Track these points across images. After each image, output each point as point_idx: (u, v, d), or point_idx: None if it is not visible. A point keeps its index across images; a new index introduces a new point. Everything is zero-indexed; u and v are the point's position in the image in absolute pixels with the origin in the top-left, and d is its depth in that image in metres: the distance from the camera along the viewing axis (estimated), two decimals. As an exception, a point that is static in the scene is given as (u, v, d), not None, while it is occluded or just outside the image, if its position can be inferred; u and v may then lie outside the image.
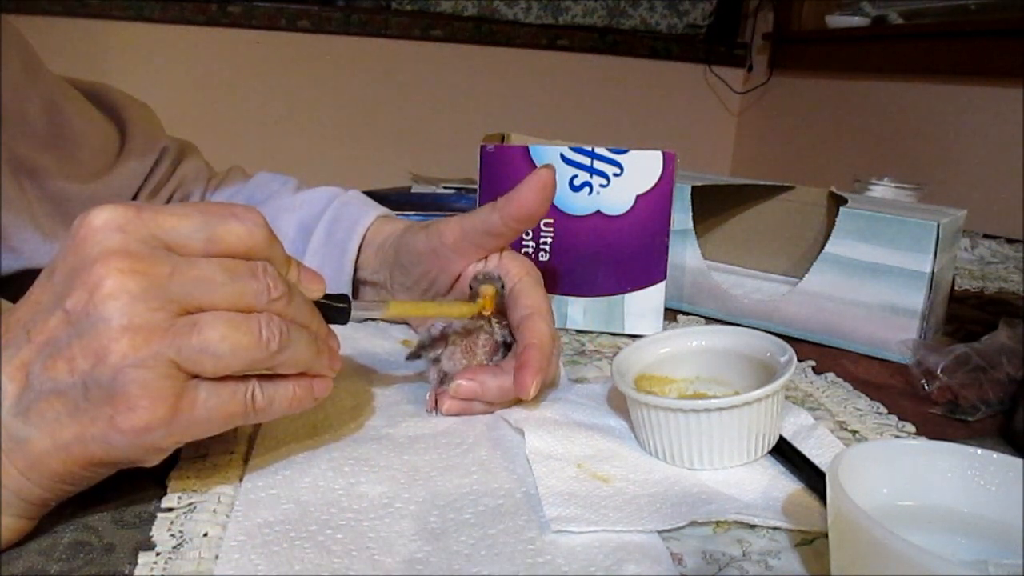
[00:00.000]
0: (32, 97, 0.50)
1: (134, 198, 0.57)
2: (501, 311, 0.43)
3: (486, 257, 0.45)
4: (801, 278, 0.59)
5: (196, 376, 0.29)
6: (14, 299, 0.54)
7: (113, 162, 0.55)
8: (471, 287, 0.43)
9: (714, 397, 0.39)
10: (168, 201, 0.59)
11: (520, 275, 0.44)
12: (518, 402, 0.43)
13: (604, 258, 0.56)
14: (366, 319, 0.38)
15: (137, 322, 0.27)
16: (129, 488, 0.34)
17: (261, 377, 0.31)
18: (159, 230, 0.29)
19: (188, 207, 0.30)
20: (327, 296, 0.36)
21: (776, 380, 0.37)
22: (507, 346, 0.44)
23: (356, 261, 0.52)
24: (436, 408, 0.43)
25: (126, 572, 0.29)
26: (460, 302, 0.43)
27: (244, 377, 0.31)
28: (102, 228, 0.28)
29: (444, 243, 0.44)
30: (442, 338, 0.43)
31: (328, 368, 0.34)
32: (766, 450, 0.39)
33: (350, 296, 0.37)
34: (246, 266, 0.30)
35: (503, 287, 0.43)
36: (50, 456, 0.28)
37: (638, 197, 0.55)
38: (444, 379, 0.43)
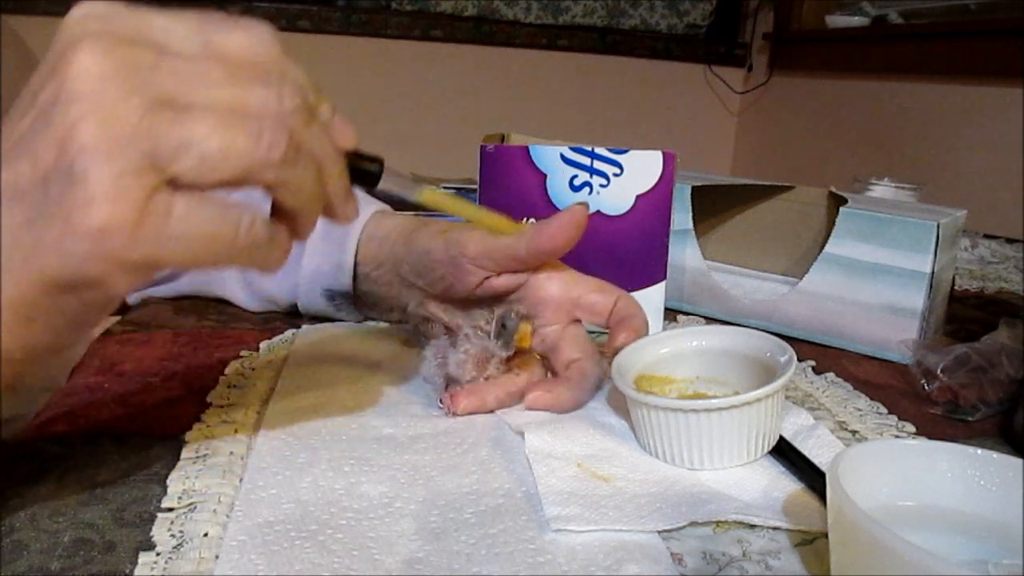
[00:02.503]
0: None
1: None
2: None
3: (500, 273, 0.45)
4: (801, 278, 0.59)
5: (177, 184, 0.25)
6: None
7: None
8: (504, 325, 0.42)
9: (714, 397, 0.39)
10: None
11: (565, 322, 0.45)
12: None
13: (604, 258, 0.56)
14: (393, 195, 0.35)
15: (108, 105, 0.23)
16: (129, 488, 0.34)
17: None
18: (148, 27, 0.25)
19: (185, 11, 0.26)
20: (357, 155, 0.32)
21: (776, 380, 0.37)
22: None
23: (356, 256, 0.52)
24: (452, 409, 0.43)
25: (127, 571, 0.29)
26: (499, 216, 0.41)
27: (242, 207, 0.26)
28: (82, 18, 0.25)
29: (464, 255, 0.43)
30: (447, 334, 0.43)
31: (341, 215, 0.30)
32: (766, 450, 0.39)
33: (383, 161, 0.33)
34: (255, 70, 0.26)
35: (532, 319, 0.44)
36: (3, 278, 0.25)
37: (638, 197, 0.55)
38: (450, 383, 0.43)
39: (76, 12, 0.25)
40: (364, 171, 0.32)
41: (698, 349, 0.44)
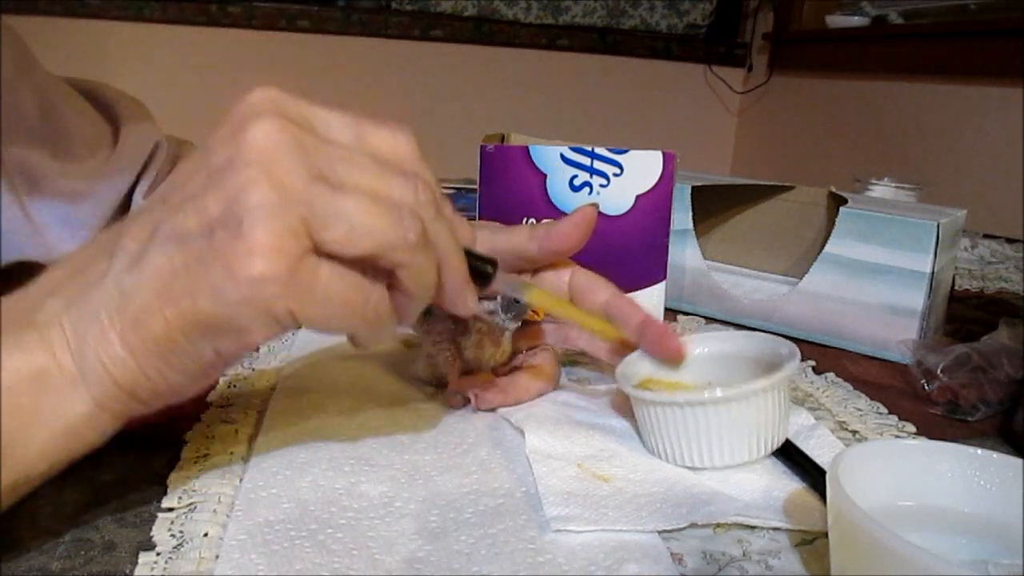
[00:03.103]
0: (25, 91, 0.50)
1: (130, 192, 0.57)
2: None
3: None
4: (801, 278, 0.59)
5: (323, 251, 0.28)
6: (5, 291, 0.54)
7: (107, 155, 0.55)
8: (516, 299, 0.41)
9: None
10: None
11: (570, 266, 0.44)
12: None
13: (604, 258, 0.56)
14: (502, 294, 0.39)
15: (277, 172, 0.27)
16: (129, 488, 0.34)
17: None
18: (312, 116, 0.29)
19: (338, 109, 0.30)
20: (473, 255, 0.34)
21: (778, 372, 0.37)
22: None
23: None
24: (476, 405, 0.43)
25: (127, 572, 0.29)
26: (601, 319, 0.42)
27: (373, 281, 0.29)
28: (260, 99, 0.28)
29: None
30: (459, 326, 0.43)
31: (461, 304, 0.33)
32: (770, 449, 0.38)
33: (497, 263, 0.36)
34: (397, 165, 0.30)
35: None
36: (153, 314, 0.27)
37: (638, 197, 0.55)
38: (470, 369, 0.44)
39: (255, 94, 0.28)
40: (478, 270, 0.35)
41: (704, 355, 0.43)
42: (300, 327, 0.28)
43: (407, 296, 0.31)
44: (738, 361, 0.42)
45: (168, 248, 0.27)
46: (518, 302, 0.42)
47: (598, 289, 0.42)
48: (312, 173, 0.27)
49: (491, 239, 0.43)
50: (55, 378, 0.28)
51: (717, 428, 0.37)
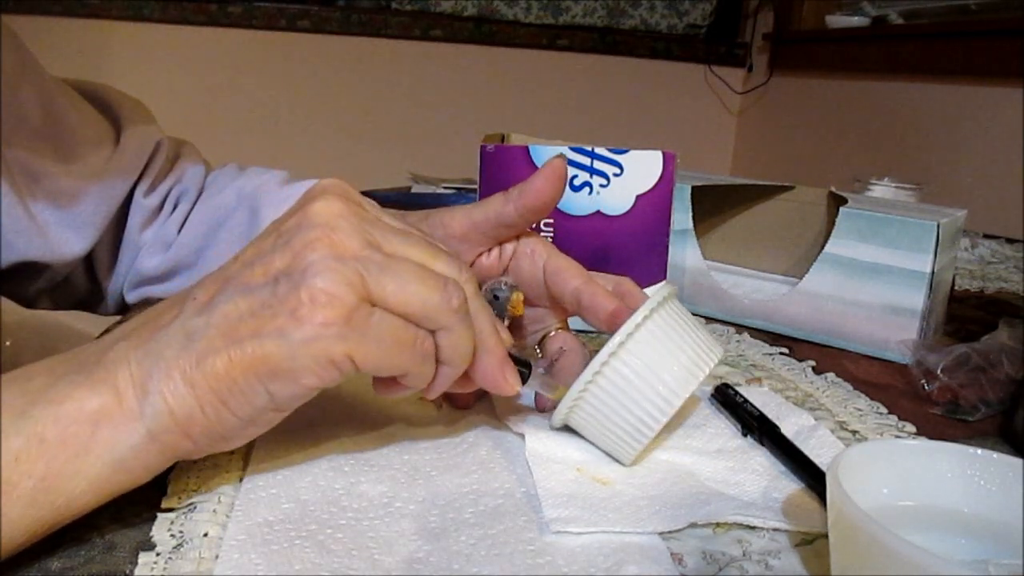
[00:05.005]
0: (27, 92, 0.50)
1: (132, 191, 0.57)
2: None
3: (490, 247, 0.44)
4: (801, 278, 0.59)
5: (375, 305, 0.30)
6: (8, 291, 0.54)
7: (109, 155, 0.55)
8: (496, 296, 0.41)
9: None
10: (167, 196, 0.59)
11: (548, 251, 0.44)
12: None
13: (604, 258, 0.56)
14: (533, 391, 0.41)
15: (337, 234, 0.30)
16: (129, 488, 0.34)
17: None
18: (369, 204, 0.34)
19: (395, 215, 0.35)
20: (511, 355, 0.37)
21: (653, 298, 0.37)
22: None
23: None
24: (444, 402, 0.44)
25: (127, 572, 0.29)
26: None
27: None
28: (328, 184, 0.32)
29: (451, 235, 0.43)
30: None
31: (504, 383, 0.36)
32: (707, 365, 0.38)
33: (532, 366, 0.39)
34: (442, 250, 0.34)
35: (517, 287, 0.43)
36: (218, 353, 0.29)
37: (638, 197, 0.55)
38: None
39: (324, 181, 0.33)
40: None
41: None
42: (355, 372, 0.30)
43: (441, 364, 0.33)
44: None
45: (235, 296, 0.30)
46: (497, 298, 0.41)
47: (571, 275, 0.42)
48: (368, 240, 0.31)
49: (469, 215, 0.43)
50: (114, 412, 0.29)
51: (638, 373, 0.36)
